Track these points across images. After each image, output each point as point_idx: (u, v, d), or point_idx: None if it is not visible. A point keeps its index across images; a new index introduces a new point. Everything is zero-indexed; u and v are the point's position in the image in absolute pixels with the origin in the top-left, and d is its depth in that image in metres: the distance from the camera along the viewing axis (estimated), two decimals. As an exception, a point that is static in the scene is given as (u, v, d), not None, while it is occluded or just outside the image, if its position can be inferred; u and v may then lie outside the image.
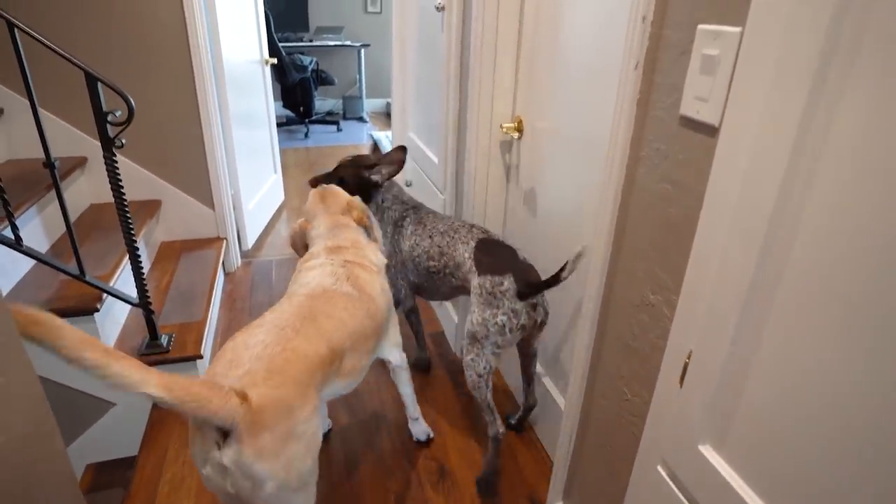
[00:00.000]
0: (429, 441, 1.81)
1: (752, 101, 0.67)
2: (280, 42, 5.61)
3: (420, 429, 1.81)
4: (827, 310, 0.60)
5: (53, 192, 2.05)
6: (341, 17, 6.66)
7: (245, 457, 0.95)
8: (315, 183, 1.79)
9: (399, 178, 3.10)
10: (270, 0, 5.60)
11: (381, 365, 1.62)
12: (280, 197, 3.94)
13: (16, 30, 1.43)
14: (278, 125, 4.07)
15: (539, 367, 1.80)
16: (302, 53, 6.01)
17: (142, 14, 2.39)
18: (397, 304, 1.85)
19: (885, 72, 0.52)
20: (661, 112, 0.90)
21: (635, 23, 0.92)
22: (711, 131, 0.78)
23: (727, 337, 0.73)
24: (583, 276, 1.41)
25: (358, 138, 6.01)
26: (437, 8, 2.00)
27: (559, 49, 1.45)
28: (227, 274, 2.95)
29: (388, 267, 1.58)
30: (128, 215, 1.72)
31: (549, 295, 1.68)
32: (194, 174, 2.75)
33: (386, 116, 6.99)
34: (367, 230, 1.53)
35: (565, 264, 1.32)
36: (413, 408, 1.77)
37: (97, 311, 1.73)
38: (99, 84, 1.55)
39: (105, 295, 1.77)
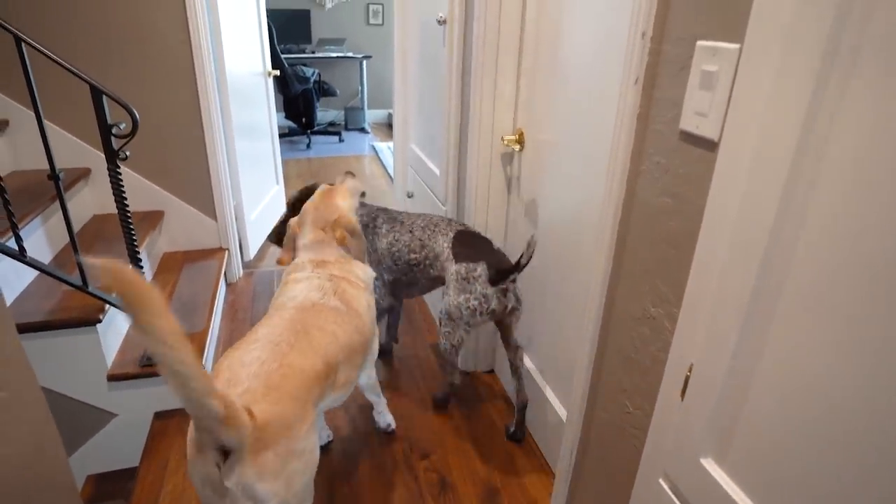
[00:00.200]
0: (390, 431, 1.91)
1: (751, 117, 0.68)
2: (283, 54, 5.66)
3: (384, 418, 1.90)
4: (828, 322, 0.60)
5: (57, 203, 2.06)
6: (343, 29, 6.72)
7: (247, 477, 0.94)
8: (278, 235, 1.89)
9: (399, 189, 3.12)
10: (273, 12, 5.65)
11: (378, 376, 1.62)
12: (282, 208, 3.95)
13: (23, 44, 1.45)
14: (280, 136, 4.09)
15: (540, 379, 1.80)
16: (304, 65, 6.06)
17: (146, 27, 2.41)
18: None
19: (883, 87, 0.53)
20: (661, 126, 0.91)
21: (635, 39, 0.93)
22: (711, 146, 0.79)
23: (728, 350, 0.74)
24: (584, 289, 1.42)
25: (360, 149, 6.04)
26: (439, 22, 2.02)
27: (560, 63, 1.46)
28: (228, 284, 2.95)
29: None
30: (131, 227, 1.73)
31: (551, 305, 1.69)
32: (197, 185, 2.76)
33: (387, 127, 7.03)
34: (347, 250, 1.49)
35: (523, 252, 1.50)
36: (379, 402, 1.86)
37: (100, 321, 1.74)
38: (104, 97, 1.57)
39: (108, 306, 1.77)
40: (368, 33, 6.83)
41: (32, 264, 1.58)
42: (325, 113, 6.92)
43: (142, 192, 2.66)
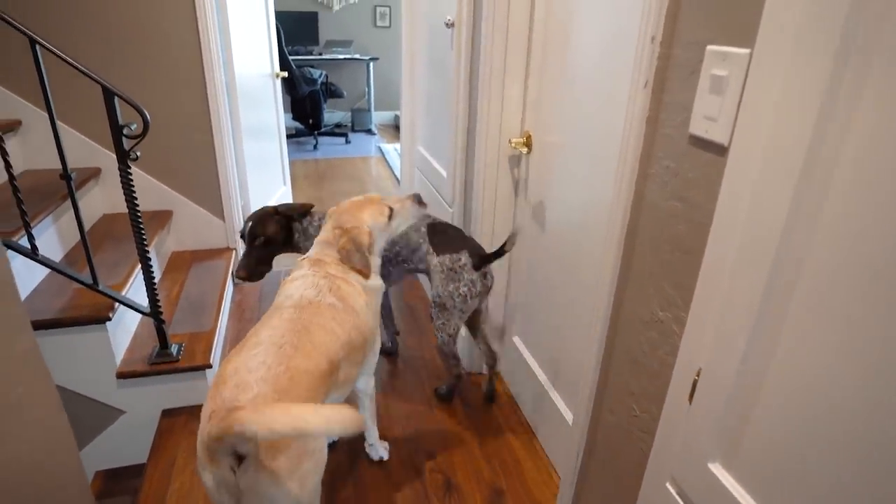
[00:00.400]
0: (380, 461, 1.79)
1: (762, 122, 0.68)
2: (290, 55, 5.69)
3: (375, 451, 1.79)
4: (840, 326, 0.60)
5: (68, 203, 2.08)
6: (351, 31, 6.75)
7: (263, 479, 0.96)
8: (248, 270, 1.84)
9: (406, 191, 3.13)
10: (281, 14, 5.68)
11: (383, 379, 1.60)
12: (289, 208, 3.96)
13: (37, 46, 1.47)
14: (287, 137, 4.11)
15: (546, 381, 1.80)
16: (312, 66, 6.09)
17: (156, 29, 2.43)
18: None
19: None
20: (670, 130, 0.91)
21: (644, 43, 0.93)
22: (721, 150, 0.79)
23: (738, 354, 0.74)
24: (591, 292, 1.42)
25: (366, 150, 6.06)
26: (447, 24, 2.03)
27: (568, 66, 1.46)
28: (236, 284, 2.97)
29: None
30: (141, 227, 1.75)
31: (557, 309, 1.69)
32: (205, 185, 2.78)
33: (394, 129, 7.05)
34: (343, 258, 1.43)
35: (507, 239, 1.64)
36: (371, 433, 1.76)
37: (109, 319, 1.75)
38: (115, 98, 1.58)
39: (117, 304, 1.79)
40: (375, 35, 6.86)
41: (45, 262, 1.60)
42: (332, 114, 6.95)
43: (151, 191, 2.68)
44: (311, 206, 1.90)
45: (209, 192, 2.80)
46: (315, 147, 6.08)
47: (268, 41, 3.42)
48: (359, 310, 1.36)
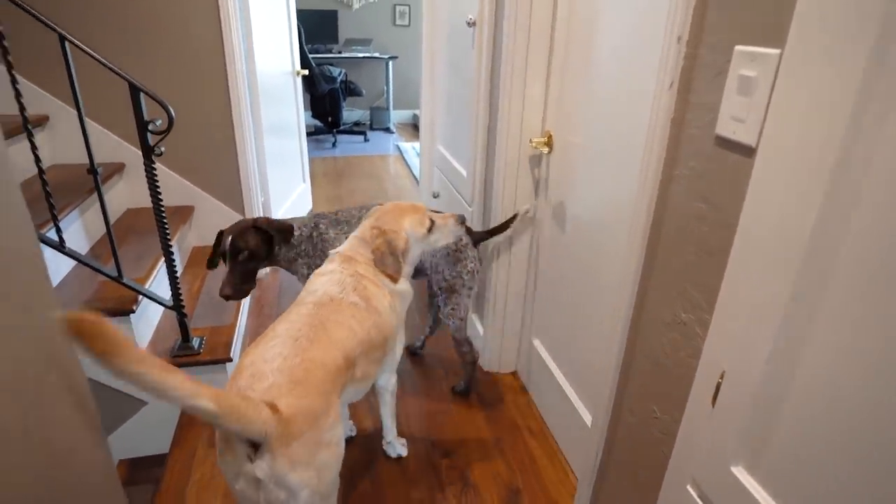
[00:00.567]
0: (398, 458, 1.80)
1: (791, 123, 0.68)
2: (310, 53, 5.74)
3: (393, 448, 1.79)
4: (871, 330, 0.59)
5: (94, 197, 2.13)
6: (370, 29, 6.78)
7: (279, 467, 0.97)
8: (234, 287, 1.73)
9: (425, 189, 3.13)
10: (302, 13, 5.72)
11: (401, 377, 1.59)
12: (308, 205, 4.00)
13: (66, 43, 1.50)
14: (307, 134, 4.15)
15: (564, 382, 1.80)
16: (331, 65, 6.13)
17: (180, 27, 2.47)
18: None
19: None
20: (696, 131, 0.90)
21: (670, 43, 0.92)
22: (748, 152, 0.78)
23: (762, 357, 0.73)
24: (612, 293, 1.41)
25: (384, 149, 6.08)
26: (469, 24, 2.03)
27: (591, 65, 1.46)
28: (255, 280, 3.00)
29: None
30: (165, 222, 1.78)
31: (577, 309, 1.69)
32: (226, 181, 2.82)
33: (412, 127, 7.07)
34: (377, 260, 1.43)
35: (514, 216, 1.79)
36: (390, 430, 1.77)
37: (133, 312, 1.78)
38: (141, 94, 1.61)
39: (140, 297, 1.82)
40: (395, 34, 6.88)
41: (72, 255, 1.64)
42: (351, 112, 6.99)
43: (173, 187, 2.72)
44: (292, 227, 1.78)
45: (230, 188, 2.84)
46: (334, 145, 6.12)
47: (289, 39, 3.46)
48: (382, 310, 1.37)
